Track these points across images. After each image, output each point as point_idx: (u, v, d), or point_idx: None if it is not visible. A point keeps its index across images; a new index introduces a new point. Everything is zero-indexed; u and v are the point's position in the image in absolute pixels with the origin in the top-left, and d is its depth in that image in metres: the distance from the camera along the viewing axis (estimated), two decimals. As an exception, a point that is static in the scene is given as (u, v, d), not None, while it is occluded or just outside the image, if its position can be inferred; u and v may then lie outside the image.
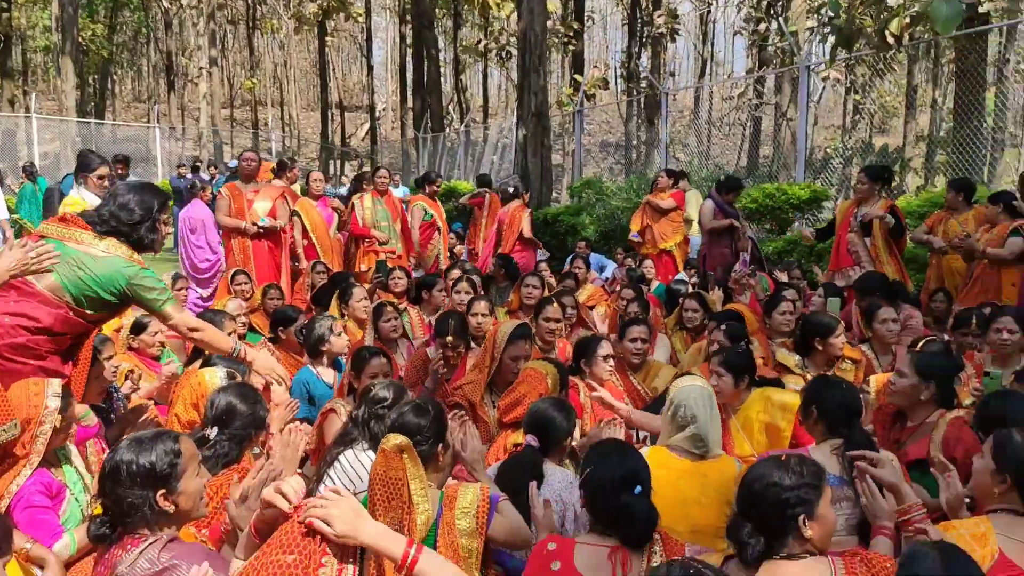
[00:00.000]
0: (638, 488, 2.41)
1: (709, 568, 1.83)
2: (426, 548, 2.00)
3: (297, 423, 3.17)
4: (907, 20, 6.93)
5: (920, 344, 4.36)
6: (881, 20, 6.99)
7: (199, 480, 2.40)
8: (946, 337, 5.35)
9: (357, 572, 1.97)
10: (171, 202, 3.94)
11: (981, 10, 9.52)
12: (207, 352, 4.33)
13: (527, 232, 10.00)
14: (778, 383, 4.32)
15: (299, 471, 3.14)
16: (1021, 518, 2.44)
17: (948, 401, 3.53)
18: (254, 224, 7.84)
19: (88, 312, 3.45)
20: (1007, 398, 3.25)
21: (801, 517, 2.19)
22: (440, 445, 2.83)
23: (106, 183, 5.92)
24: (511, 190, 10.43)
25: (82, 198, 5.90)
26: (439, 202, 10.24)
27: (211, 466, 2.92)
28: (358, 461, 3.27)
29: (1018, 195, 6.45)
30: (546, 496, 3.06)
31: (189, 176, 16.83)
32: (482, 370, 4.41)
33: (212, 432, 3.06)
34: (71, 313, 3.40)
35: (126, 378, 4.38)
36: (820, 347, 4.77)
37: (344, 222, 9.16)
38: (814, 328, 4.85)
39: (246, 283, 7.22)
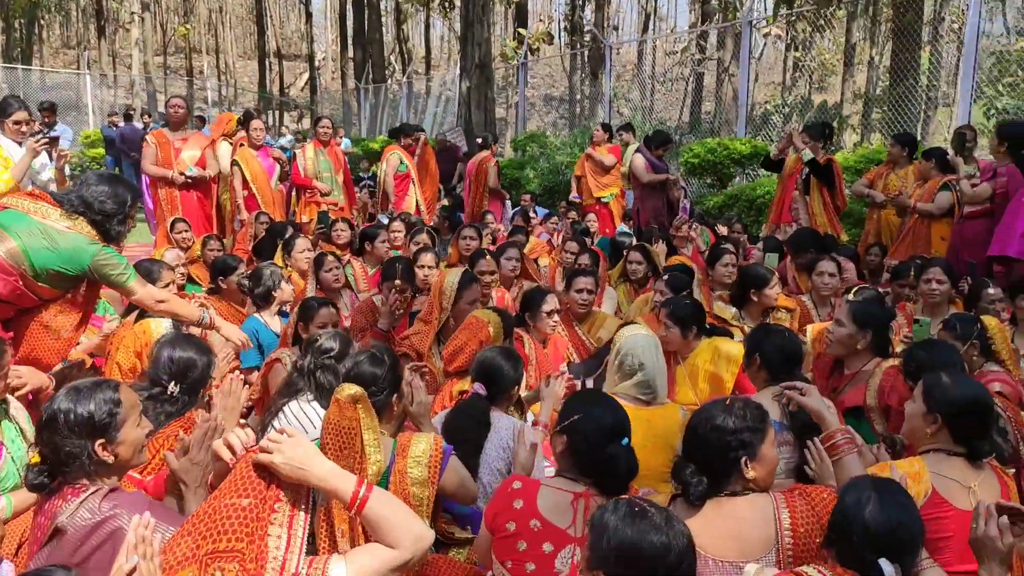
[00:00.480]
0: (625, 440, 2.46)
1: (653, 505, 1.89)
2: (377, 487, 2.00)
3: (237, 374, 3.14)
4: (849, -24, 6.99)
5: (853, 291, 4.49)
6: (824, -24, 7.05)
7: (140, 431, 2.36)
8: (880, 289, 5.53)
9: (309, 520, 1.96)
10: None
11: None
12: (153, 271, 4.34)
13: (493, 183, 9.99)
14: (728, 334, 4.40)
15: (243, 421, 3.13)
16: (951, 457, 2.54)
17: (884, 350, 3.65)
18: (182, 174, 7.66)
19: (41, 286, 3.39)
20: (932, 348, 3.36)
21: (743, 459, 2.28)
22: (395, 395, 2.84)
23: (23, 128, 5.70)
24: (479, 140, 10.40)
25: None
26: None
27: (171, 422, 2.91)
28: (303, 412, 3.25)
29: (951, 151, 6.63)
30: (494, 444, 3.10)
31: (122, 124, 16.31)
32: (429, 321, 4.41)
33: (175, 388, 3.00)
34: (22, 283, 3.33)
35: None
36: (755, 298, 4.89)
37: (286, 173, 9.00)
38: (751, 280, 4.96)
39: (186, 231, 7.08)
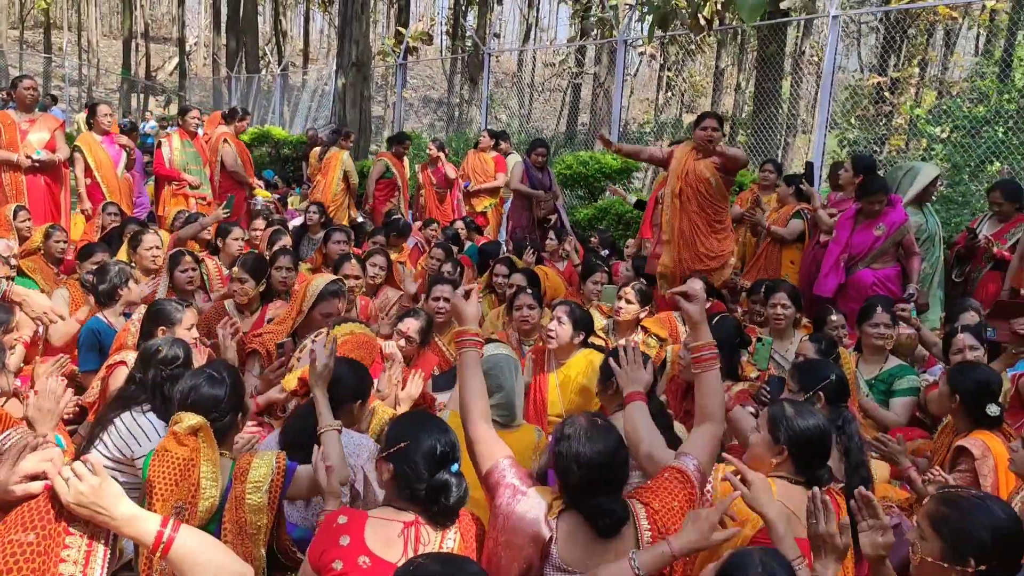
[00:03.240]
0: (455, 465, 2.34)
1: (438, 559, 1.85)
2: (184, 526, 1.83)
3: (59, 377, 2.91)
4: (718, 6, 7.25)
5: (714, 320, 4.60)
6: (695, 4, 7.28)
7: None
8: (740, 309, 5.72)
9: (109, 547, 1.76)
10: None
11: (782, 5, 10.11)
12: None
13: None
14: (602, 349, 4.43)
15: (69, 428, 2.90)
16: (794, 486, 2.59)
17: (733, 372, 3.74)
18: (28, 157, 7.15)
19: None
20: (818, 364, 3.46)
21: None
22: (239, 415, 2.67)
23: None
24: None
25: None
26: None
27: None
28: (136, 425, 3.02)
29: (803, 180, 6.92)
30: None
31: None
32: (284, 321, 4.27)
33: None
34: None
35: None
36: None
37: (133, 160, 8.59)
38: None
39: (28, 219, 6.58)
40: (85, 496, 1.72)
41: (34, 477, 1.81)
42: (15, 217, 6.57)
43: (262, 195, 9.86)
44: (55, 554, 1.67)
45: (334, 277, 4.66)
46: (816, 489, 2.27)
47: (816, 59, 16.53)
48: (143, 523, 1.79)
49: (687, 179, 5.91)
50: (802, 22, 13.08)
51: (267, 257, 5.70)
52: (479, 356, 2.67)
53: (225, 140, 9.03)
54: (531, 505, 2.32)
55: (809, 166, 6.99)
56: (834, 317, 4.85)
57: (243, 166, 9.18)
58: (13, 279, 5.29)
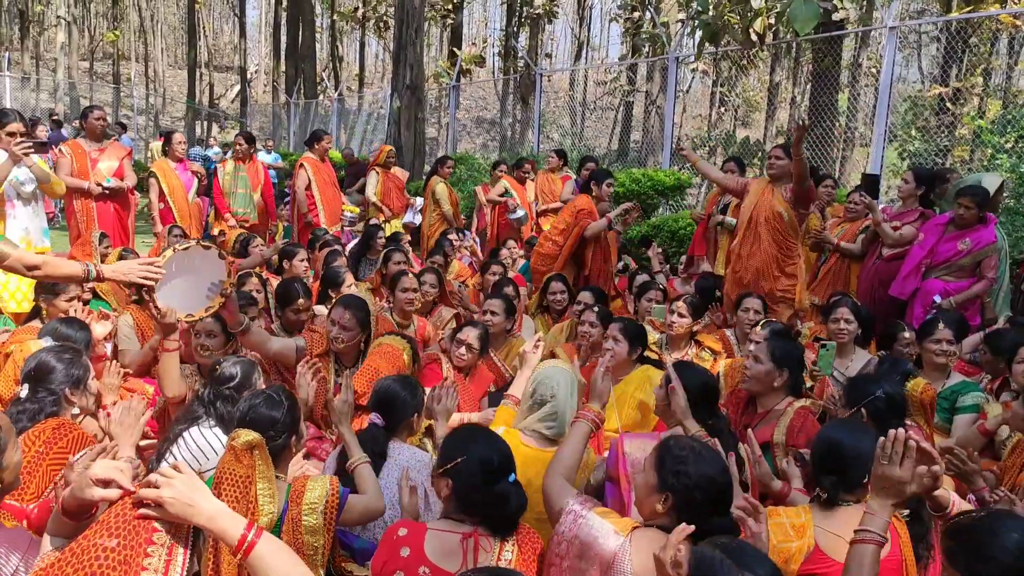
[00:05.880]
0: (512, 476, 2.39)
1: (492, 573, 1.90)
2: (267, 533, 1.87)
3: (138, 395, 3.03)
4: (770, 20, 7.22)
5: (760, 324, 4.56)
6: (746, 19, 7.25)
7: (18, 454, 2.26)
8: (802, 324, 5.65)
9: (188, 555, 1.81)
10: None
11: (836, 17, 10.01)
12: (58, 283, 4.17)
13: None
14: (659, 364, 4.44)
15: (145, 443, 3.00)
16: (835, 508, 2.51)
17: (797, 389, 3.68)
18: (98, 184, 7.45)
19: None
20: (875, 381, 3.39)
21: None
22: (293, 437, 2.73)
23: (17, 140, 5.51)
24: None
25: None
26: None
27: (24, 423, 2.82)
28: (204, 439, 3.12)
29: (863, 193, 6.79)
30: (394, 475, 3.02)
31: (50, 131, 15.88)
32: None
33: (23, 390, 2.94)
34: None
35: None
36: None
37: (204, 187, 8.90)
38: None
39: (109, 246, 6.86)
40: (177, 489, 1.76)
41: (105, 484, 1.86)
42: (101, 243, 6.87)
43: (349, 210, 10.01)
44: (137, 563, 1.71)
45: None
46: (896, 431, 2.15)
47: (874, 71, 16.24)
48: (230, 521, 1.83)
49: (759, 212, 5.95)
50: (859, 34, 12.90)
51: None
52: (590, 432, 2.76)
53: (302, 165, 9.26)
54: (592, 526, 2.30)
55: (870, 179, 6.84)
56: (907, 334, 4.75)
57: (322, 188, 9.36)
58: (88, 302, 5.52)
